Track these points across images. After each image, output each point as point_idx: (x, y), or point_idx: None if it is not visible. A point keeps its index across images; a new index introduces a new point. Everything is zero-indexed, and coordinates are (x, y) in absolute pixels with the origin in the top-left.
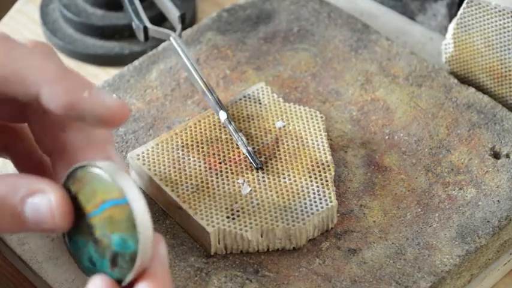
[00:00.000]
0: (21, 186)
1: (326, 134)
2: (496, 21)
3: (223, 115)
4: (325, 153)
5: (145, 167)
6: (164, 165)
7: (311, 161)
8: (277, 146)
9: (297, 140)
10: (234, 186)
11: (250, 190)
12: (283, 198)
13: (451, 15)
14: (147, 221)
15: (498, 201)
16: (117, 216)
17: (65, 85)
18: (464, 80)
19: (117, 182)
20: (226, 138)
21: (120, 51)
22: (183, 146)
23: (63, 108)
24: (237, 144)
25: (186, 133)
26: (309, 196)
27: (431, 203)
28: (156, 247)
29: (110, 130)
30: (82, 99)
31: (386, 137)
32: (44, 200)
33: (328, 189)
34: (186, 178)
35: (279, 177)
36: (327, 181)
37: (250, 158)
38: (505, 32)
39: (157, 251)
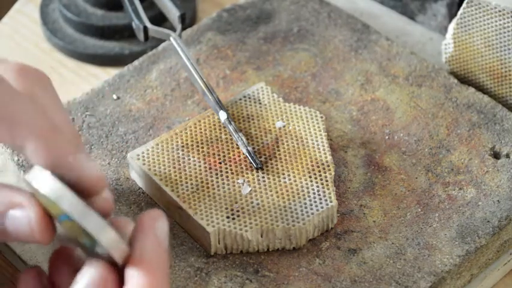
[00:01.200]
0: (1, 199)
1: (326, 134)
2: (496, 21)
3: (223, 115)
4: (325, 153)
5: (145, 167)
6: (164, 165)
7: (311, 161)
8: (277, 146)
9: (297, 140)
10: (234, 186)
11: (250, 190)
12: (283, 198)
13: (451, 15)
14: (98, 224)
15: (498, 201)
16: (73, 228)
17: (50, 145)
18: (464, 80)
19: (51, 197)
20: (226, 138)
21: (120, 51)
22: (183, 146)
23: (45, 167)
24: (237, 144)
25: (186, 133)
26: (309, 196)
27: (431, 203)
28: (152, 224)
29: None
30: (64, 164)
31: (387, 137)
32: (23, 216)
33: (328, 189)
34: (186, 178)
35: (279, 177)
36: (327, 181)
37: (250, 158)
38: (505, 32)
39: (152, 231)
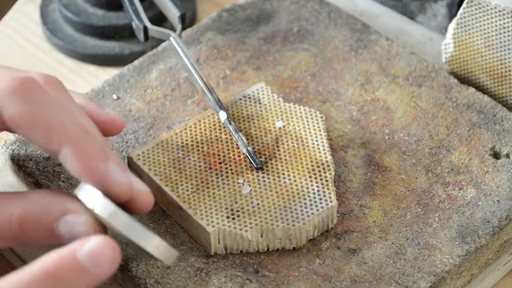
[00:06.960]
0: (55, 206)
1: (326, 134)
2: (496, 21)
3: (223, 115)
4: (325, 153)
5: (145, 167)
6: (164, 165)
7: (311, 161)
8: (277, 146)
9: (297, 140)
10: (234, 186)
11: (250, 190)
12: (283, 198)
13: (451, 15)
14: (146, 237)
15: (498, 201)
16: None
17: (84, 151)
18: (464, 80)
19: (104, 217)
20: (226, 138)
21: (120, 51)
22: (183, 146)
23: (77, 172)
24: (237, 144)
25: (186, 133)
26: (309, 196)
27: (431, 203)
28: None
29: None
30: (96, 170)
31: (386, 137)
32: (78, 219)
33: (328, 189)
34: (186, 178)
35: (279, 177)
36: (327, 181)
37: (250, 158)
38: (505, 32)
39: None
